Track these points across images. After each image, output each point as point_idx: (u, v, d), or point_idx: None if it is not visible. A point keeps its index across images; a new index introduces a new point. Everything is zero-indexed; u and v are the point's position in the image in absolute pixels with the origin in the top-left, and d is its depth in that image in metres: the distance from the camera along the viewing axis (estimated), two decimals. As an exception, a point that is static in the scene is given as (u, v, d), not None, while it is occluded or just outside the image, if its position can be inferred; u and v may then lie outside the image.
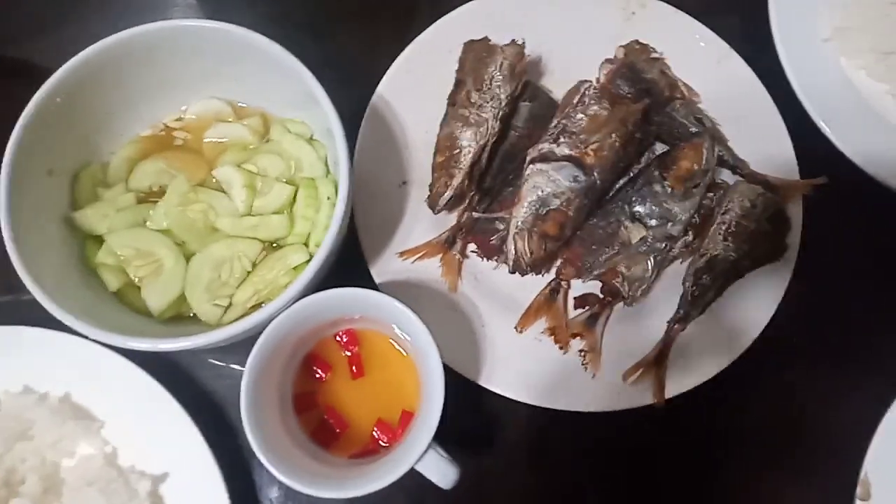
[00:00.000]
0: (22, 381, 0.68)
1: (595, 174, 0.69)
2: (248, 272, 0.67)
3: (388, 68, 0.77)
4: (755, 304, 0.71)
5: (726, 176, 0.77)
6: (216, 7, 0.88)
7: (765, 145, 0.76)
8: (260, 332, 0.59)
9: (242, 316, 0.66)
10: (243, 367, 0.59)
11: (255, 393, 0.59)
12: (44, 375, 0.68)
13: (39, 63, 0.79)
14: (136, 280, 0.66)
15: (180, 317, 0.67)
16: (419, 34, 0.78)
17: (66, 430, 0.66)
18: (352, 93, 0.73)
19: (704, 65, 0.79)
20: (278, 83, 0.68)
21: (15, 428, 0.66)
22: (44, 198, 0.65)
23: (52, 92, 0.62)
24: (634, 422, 0.69)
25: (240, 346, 0.61)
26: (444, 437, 0.58)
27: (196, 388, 0.73)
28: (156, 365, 0.67)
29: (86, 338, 0.59)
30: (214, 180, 0.70)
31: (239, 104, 0.74)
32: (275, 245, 0.69)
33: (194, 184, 0.69)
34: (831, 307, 0.77)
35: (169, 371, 0.69)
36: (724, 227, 0.71)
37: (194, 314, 0.67)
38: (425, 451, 0.58)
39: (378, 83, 0.76)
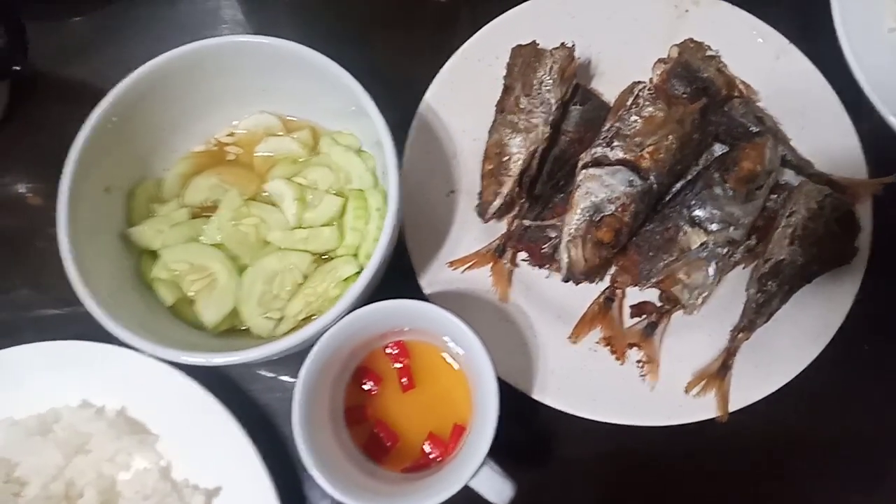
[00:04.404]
0: (80, 395, 0.69)
1: (651, 178, 0.67)
2: (300, 285, 0.67)
3: (431, 77, 0.76)
4: (824, 311, 0.68)
5: (789, 177, 0.73)
6: (263, 23, 0.89)
7: (830, 143, 0.73)
8: (311, 345, 0.59)
9: (294, 328, 0.66)
10: (294, 378, 0.58)
11: (308, 406, 0.59)
12: (101, 389, 0.69)
13: (91, 83, 0.81)
14: (191, 294, 0.67)
15: (233, 330, 0.68)
16: (461, 42, 0.77)
17: (123, 443, 0.67)
18: (397, 103, 0.72)
19: (763, 61, 0.76)
20: (326, 95, 0.68)
21: (74, 441, 0.67)
22: (100, 214, 0.66)
23: (109, 111, 0.63)
24: (695, 435, 0.67)
25: (291, 359, 0.61)
26: (497, 452, 0.57)
27: (248, 400, 0.73)
28: (209, 378, 0.67)
29: (140, 352, 0.59)
30: (266, 194, 0.71)
31: (288, 118, 0.74)
32: (325, 257, 0.69)
33: (246, 198, 0.70)
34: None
35: (221, 384, 0.69)
36: (789, 231, 0.68)
37: (247, 327, 0.67)
38: (480, 467, 0.56)
39: (422, 93, 0.76)
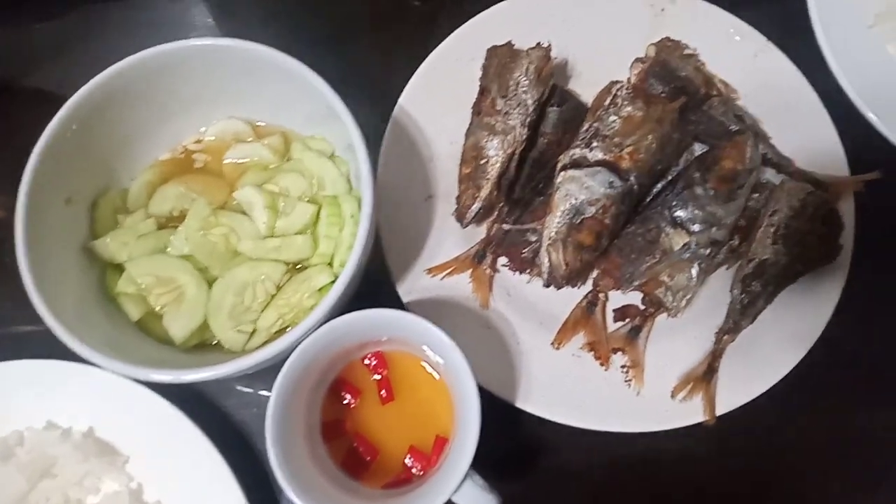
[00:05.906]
0: (45, 416, 0.67)
1: (632, 179, 0.66)
2: (272, 296, 0.65)
3: (407, 80, 0.75)
4: (810, 310, 0.68)
5: (770, 176, 0.72)
6: (233, 28, 0.87)
7: (810, 141, 0.73)
8: (286, 358, 0.57)
9: (267, 342, 0.64)
10: (270, 393, 0.56)
11: (282, 422, 0.57)
12: (67, 410, 0.67)
13: (53, 90, 0.79)
14: (158, 308, 0.65)
15: (204, 344, 0.65)
16: (437, 45, 0.76)
17: (91, 466, 0.64)
18: (372, 107, 0.72)
19: (741, 59, 0.76)
20: (297, 100, 0.66)
21: (39, 465, 0.65)
22: (62, 227, 0.64)
23: (68, 119, 0.61)
24: (682, 441, 0.66)
25: (267, 372, 0.59)
26: (481, 464, 0.55)
27: (222, 417, 0.71)
28: (180, 395, 0.65)
29: (107, 370, 0.57)
30: (236, 202, 0.69)
31: (258, 123, 0.72)
32: (298, 266, 0.67)
33: (215, 207, 0.68)
34: (889, 311, 0.72)
35: (194, 401, 0.68)
36: (772, 230, 0.67)
37: (218, 341, 0.64)
38: (462, 481, 0.55)
39: (398, 96, 0.74)
